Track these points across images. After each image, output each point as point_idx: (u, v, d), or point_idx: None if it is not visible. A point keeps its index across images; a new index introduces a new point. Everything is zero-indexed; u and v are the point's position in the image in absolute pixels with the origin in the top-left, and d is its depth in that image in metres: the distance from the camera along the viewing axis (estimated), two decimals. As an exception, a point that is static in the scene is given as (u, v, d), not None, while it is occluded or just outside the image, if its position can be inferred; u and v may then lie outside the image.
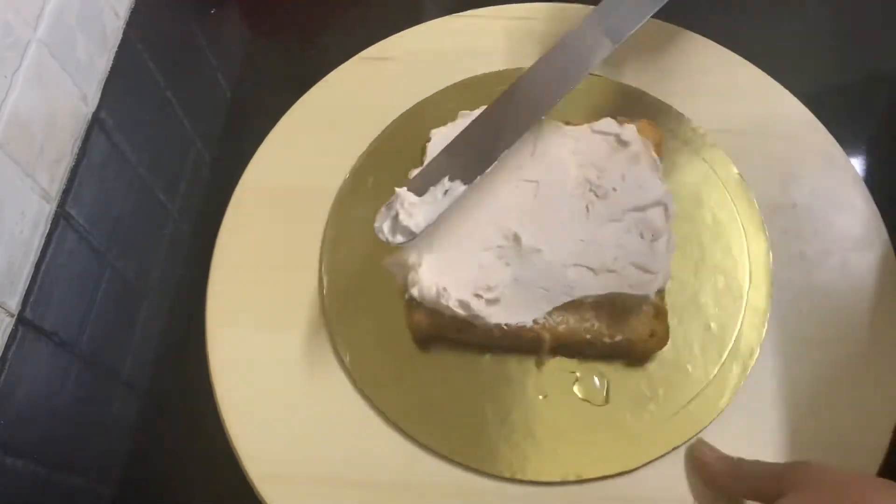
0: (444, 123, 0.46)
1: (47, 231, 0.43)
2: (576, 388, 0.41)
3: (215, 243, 0.47)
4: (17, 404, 0.39)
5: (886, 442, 0.40)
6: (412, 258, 0.41)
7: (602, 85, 0.51)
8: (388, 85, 0.52)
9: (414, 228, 0.37)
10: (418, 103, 0.51)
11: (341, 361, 0.43)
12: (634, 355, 0.42)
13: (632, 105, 0.50)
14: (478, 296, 0.39)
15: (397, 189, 0.39)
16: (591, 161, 0.43)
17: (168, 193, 0.53)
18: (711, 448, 0.40)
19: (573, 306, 0.40)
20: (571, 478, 0.39)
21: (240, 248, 0.47)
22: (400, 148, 0.48)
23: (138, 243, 0.50)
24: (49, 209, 0.43)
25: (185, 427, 0.46)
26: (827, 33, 0.59)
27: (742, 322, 0.43)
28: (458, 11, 0.55)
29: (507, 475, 0.39)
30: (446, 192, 0.39)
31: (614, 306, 0.41)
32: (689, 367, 0.42)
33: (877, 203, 0.47)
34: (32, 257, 0.42)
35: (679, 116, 0.50)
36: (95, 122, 0.48)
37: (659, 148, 0.46)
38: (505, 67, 0.52)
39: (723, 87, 0.52)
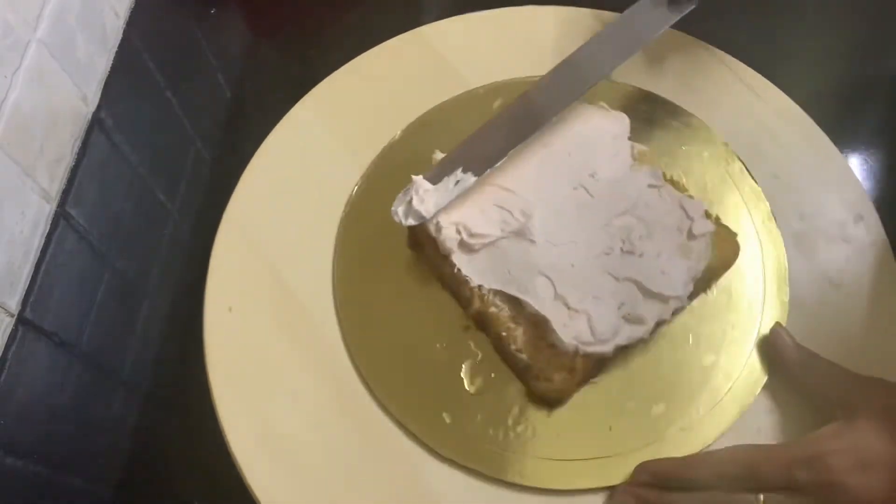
0: (421, 151, 0.46)
1: (47, 231, 0.43)
2: (463, 368, 0.41)
3: (214, 243, 0.47)
4: (17, 404, 0.39)
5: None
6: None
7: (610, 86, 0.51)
8: (389, 86, 0.52)
9: (424, 213, 0.41)
10: (389, 133, 0.50)
11: (348, 357, 0.43)
12: (529, 384, 0.40)
13: (644, 108, 0.50)
14: (459, 232, 0.42)
15: (414, 177, 0.42)
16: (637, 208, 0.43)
17: (168, 193, 0.53)
18: (790, 334, 0.40)
19: (518, 305, 0.41)
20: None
21: (240, 249, 0.47)
22: (407, 154, 0.48)
23: (138, 243, 0.50)
24: (49, 209, 0.43)
25: (184, 427, 0.46)
26: (827, 36, 0.59)
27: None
28: (458, 12, 0.55)
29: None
30: (458, 182, 0.42)
31: (544, 340, 0.40)
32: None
33: (876, 204, 0.47)
34: (32, 257, 0.42)
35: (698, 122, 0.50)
36: (95, 122, 0.48)
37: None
38: (464, 86, 0.52)
39: (725, 89, 0.52)
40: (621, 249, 0.41)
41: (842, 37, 0.59)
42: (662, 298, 0.40)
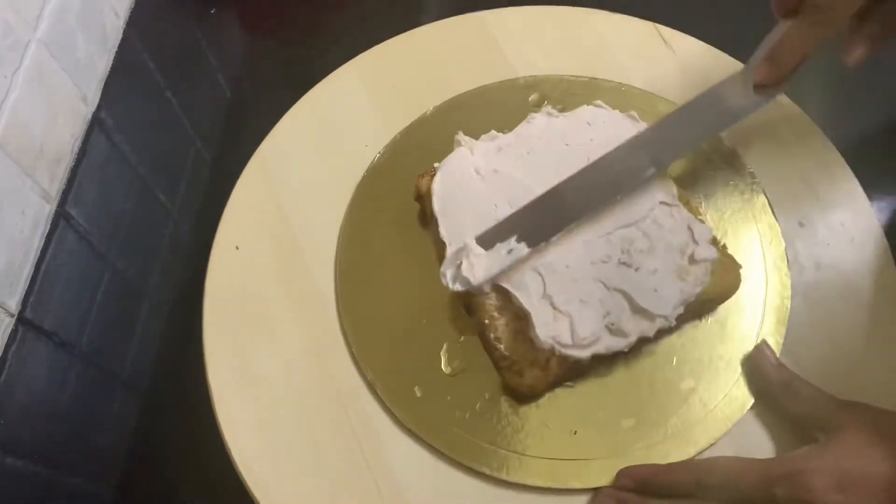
0: (448, 131, 0.46)
1: (47, 231, 0.43)
2: (444, 347, 0.42)
3: (213, 243, 0.47)
4: (17, 404, 0.39)
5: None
6: None
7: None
8: (390, 87, 0.52)
9: (472, 281, 0.40)
10: (422, 107, 0.50)
11: (336, 315, 0.43)
12: (503, 376, 0.41)
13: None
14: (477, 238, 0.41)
15: (466, 240, 0.41)
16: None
17: (168, 193, 0.53)
18: (774, 354, 0.40)
19: (506, 297, 0.41)
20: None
21: (258, 191, 0.47)
22: (433, 131, 0.49)
23: (138, 243, 0.50)
24: (49, 209, 0.43)
25: (184, 427, 0.46)
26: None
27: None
28: (458, 12, 0.55)
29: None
30: (510, 251, 0.40)
31: (523, 335, 0.40)
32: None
33: (874, 202, 0.47)
34: (32, 257, 0.42)
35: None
36: (95, 122, 0.48)
37: None
38: (507, 74, 0.52)
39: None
40: (619, 260, 0.41)
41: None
42: (649, 316, 0.40)
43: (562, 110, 0.46)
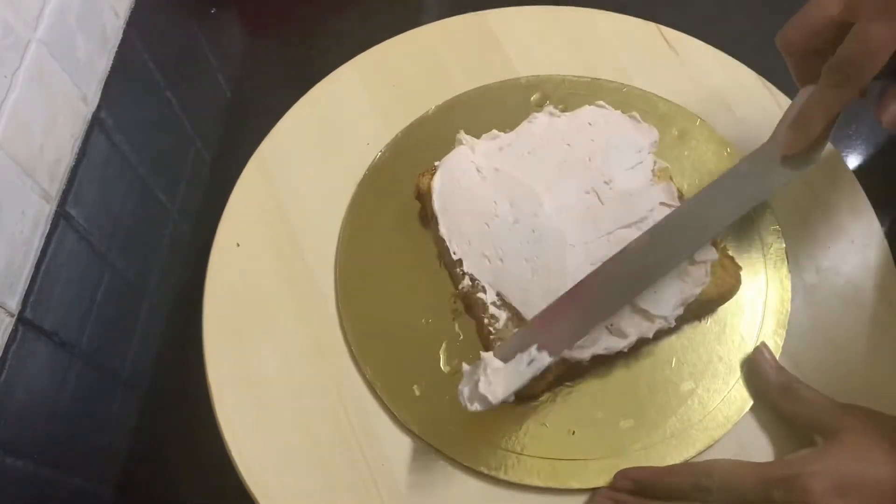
0: (449, 131, 0.46)
1: (47, 231, 0.43)
2: (443, 346, 0.42)
3: (213, 242, 0.47)
4: (17, 404, 0.39)
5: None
6: None
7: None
8: (390, 87, 0.52)
9: (492, 399, 0.37)
10: (423, 107, 0.50)
11: (336, 313, 0.43)
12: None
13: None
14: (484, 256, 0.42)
15: (483, 354, 0.38)
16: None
17: (168, 193, 0.53)
18: (773, 356, 0.40)
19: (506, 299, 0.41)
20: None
21: (260, 188, 0.47)
22: (435, 130, 0.48)
23: (138, 243, 0.50)
24: (49, 209, 0.43)
25: (184, 427, 0.46)
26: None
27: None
28: (458, 12, 0.55)
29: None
30: (531, 361, 0.38)
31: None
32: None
33: (876, 206, 0.47)
34: (32, 257, 0.42)
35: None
36: (95, 122, 0.48)
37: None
38: (509, 74, 0.52)
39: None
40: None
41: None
42: (648, 316, 0.40)
43: (563, 110, 0.46)
